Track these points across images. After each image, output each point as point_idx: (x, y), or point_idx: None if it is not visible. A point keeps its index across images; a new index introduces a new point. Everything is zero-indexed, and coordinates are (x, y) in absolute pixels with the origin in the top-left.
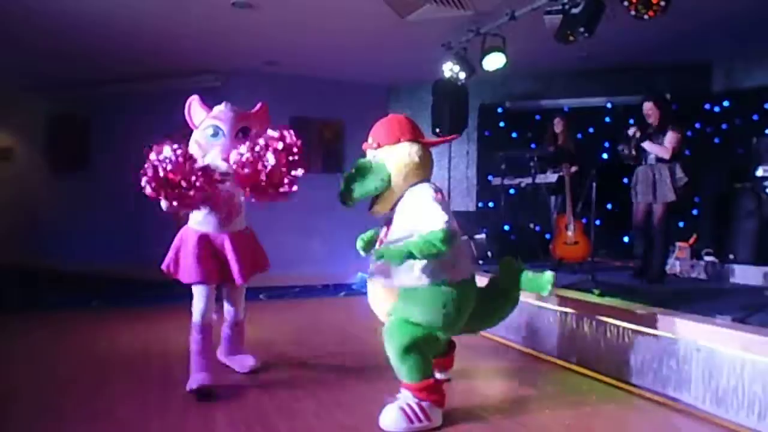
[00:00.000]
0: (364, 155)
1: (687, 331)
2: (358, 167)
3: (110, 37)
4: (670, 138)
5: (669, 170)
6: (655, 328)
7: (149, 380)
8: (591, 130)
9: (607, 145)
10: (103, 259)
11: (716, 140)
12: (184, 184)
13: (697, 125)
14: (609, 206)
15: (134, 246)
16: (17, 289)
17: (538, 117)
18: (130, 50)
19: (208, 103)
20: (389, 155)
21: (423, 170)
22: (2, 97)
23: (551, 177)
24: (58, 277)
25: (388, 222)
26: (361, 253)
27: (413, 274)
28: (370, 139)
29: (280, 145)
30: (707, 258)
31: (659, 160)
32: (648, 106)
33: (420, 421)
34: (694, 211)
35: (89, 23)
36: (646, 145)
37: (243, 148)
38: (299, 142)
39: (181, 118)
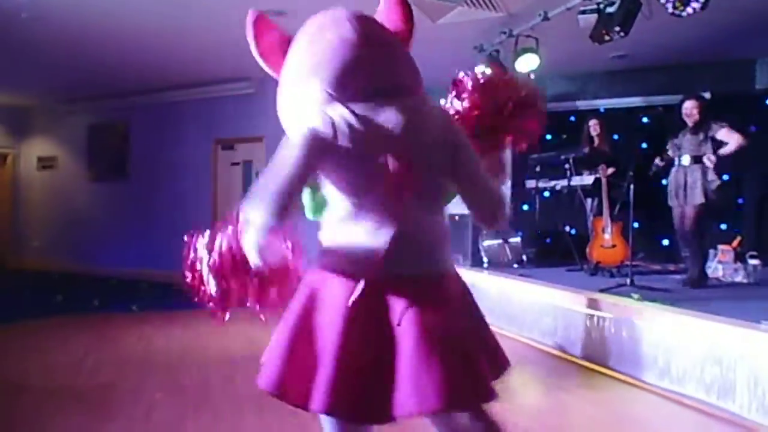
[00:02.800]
0: None
1: (731, 337)
2: None
3: (147, 47)
4: (727, 132)
5: (701, 172)
6: (697, 333)
7: (185, 384)
8: (628, 130)
9: (644, 146)
10: (143, 264)
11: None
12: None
13: (740, 124)
14: (647, 208)
15: (174, 251)
16: (60, 294)
17: (573, 118)
18: (166, 60)
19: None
20: None
21: None
22: (47, 108)
23: (587, 179)
24: (99, 282)
25: None
26: None
27: None
28: None
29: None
30: (752, 261)
31: (694, 161)
32: (691, 105)
33: None
34: (737, 213)
35: (127, 35)
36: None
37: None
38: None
39: (218, 126)
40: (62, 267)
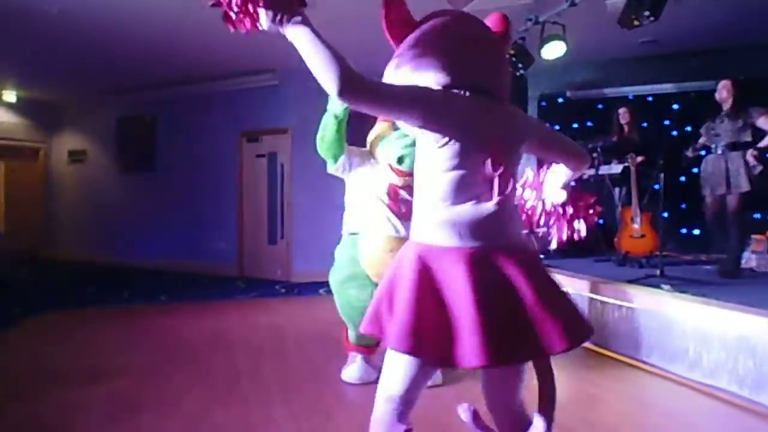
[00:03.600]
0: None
1: (765, 329)
2: None
3: (174, 40)
4: (766, 119)
5: (742, 158)
6: (731, 326)
7: (214, 373)
8: (658, 118)
9: (675, 133)
10: (171, 255)
11: None
12: None
13: None
14: (678, 197)
15: (200, 242)
16: (91, 284)
17: (600, 106)
18: (190, 52)
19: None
20: None
21: None
22: (77, 103)
23: (615, 168)
24: (128, 273)
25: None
26: None
27: None
28: None
29: None
30: None
31: (732, 148)
32: (722, 85)
33: None
34: None
35: (154, 28)
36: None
37: None
38: None
39: (244, 118)
40: (93, 258)
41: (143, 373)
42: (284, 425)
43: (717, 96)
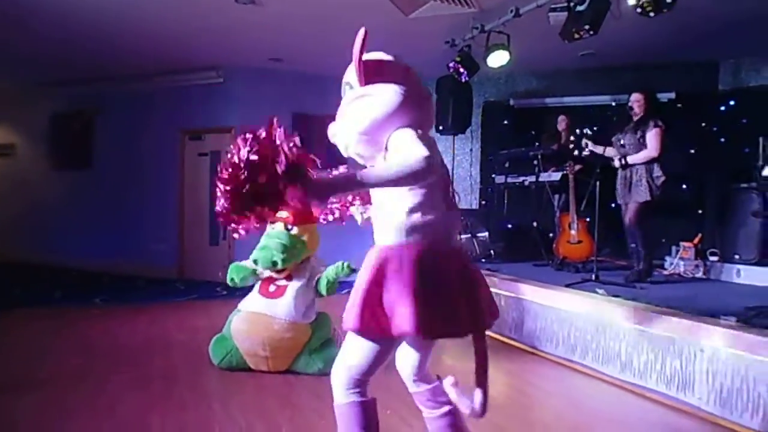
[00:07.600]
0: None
1: (691, 332)
2: None
3: (113, 33)
4: (653, 135)
5: (646, 170)
6: (660, 328)
7: (151, 376)
8: (595, 128)
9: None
10: (106, 256)
11: (722, 139)
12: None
13: (703, 124)
14: (612, 205)
15: (139, 243)
16: (21, 285)
17: (542, 115)
18: (133, 47)
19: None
20: None
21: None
22: (6, 93)
23: (555, 175)
24: (61, 274)
25: None
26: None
27: None
28: None
29: None
30: (712, 258)
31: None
32: (635, 97)
33: None
34: (699, 211)
35: (92, 20)
36: (631, 159)
37: None
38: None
39: (186, 116)
40: (22, 258)
41: (74, 378)
42: (223, 428)
43: (628, 107)
